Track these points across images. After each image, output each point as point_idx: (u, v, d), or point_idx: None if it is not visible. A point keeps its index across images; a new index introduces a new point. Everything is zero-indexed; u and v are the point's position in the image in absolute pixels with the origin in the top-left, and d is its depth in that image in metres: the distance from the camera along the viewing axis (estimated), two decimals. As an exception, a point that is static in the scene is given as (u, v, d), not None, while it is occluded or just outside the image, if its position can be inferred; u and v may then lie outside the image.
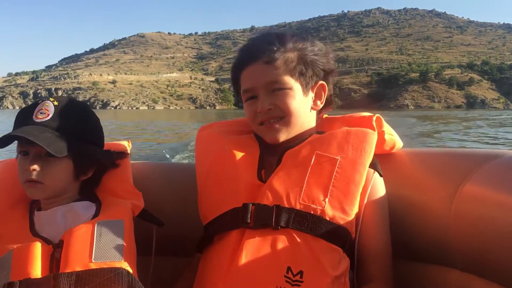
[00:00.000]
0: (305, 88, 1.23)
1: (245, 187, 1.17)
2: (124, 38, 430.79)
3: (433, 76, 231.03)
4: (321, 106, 1.29)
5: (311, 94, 1.26)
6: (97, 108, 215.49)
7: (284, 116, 1.20)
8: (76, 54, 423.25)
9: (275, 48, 1.19)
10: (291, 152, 1.20)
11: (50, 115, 1.14)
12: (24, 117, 1.17)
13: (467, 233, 1.07)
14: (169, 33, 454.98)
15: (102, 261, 1.04)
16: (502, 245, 0.98)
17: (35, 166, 1.12)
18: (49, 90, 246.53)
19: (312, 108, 1.27)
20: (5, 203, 1.21)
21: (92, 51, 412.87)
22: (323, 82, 1.27)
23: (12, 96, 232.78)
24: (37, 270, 1.01)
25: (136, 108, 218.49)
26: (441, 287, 1.16)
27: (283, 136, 1.22)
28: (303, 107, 1.23)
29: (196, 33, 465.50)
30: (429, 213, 1.16)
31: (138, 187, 1.30)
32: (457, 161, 1.20)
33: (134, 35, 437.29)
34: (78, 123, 1.19)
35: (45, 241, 1.08)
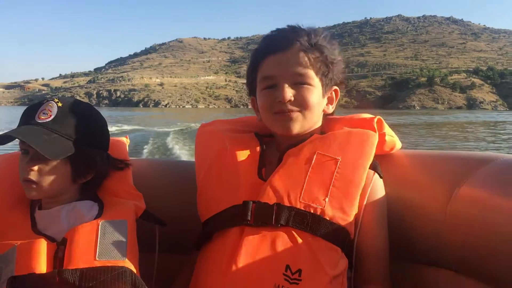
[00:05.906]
0: (324, 90, 1.23)
1: (245, 185, 1.16)
2: (164, 43, 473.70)
3: (438, 80, 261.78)
4: (332, 110, 1.29)
5: (326, 97, 1.27)
6: (150, 106, 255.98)
7: (302, 110, 1.19)
8: (121, 57, 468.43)
9: (308, 43, 1.18)
10: (293, 151, 1.19)
11: (52, 117, 1.13)
12: (27, 116, 1.16)
13: (461, 235, 1.08)
14: (204, 38, 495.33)
15: (106, 259, 1.04)
16: (495, 247, 0.99)
17: (33, 166, 1.12)
18: (109, 91, 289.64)
19: (324, 110, 1.27)
20: (6, 201, 1.19)
21: (135, 55, 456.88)
22: (337, 88, 1.28)
23: (79, 96, 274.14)
24: (41, 266, 1.01)
25: (183, 107, 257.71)
26: None
27: (296, 128, 1.20)
28: (318, 106, 1.23)
29: (229, 37, 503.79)
30: (426, 215, 1.17)
31: (137, 184, 1.29)
32: (454, 163, 1.21)
33: (173, 40, 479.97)
34: (80, 126, 1.16)
35: (49, 239, 1.07)
